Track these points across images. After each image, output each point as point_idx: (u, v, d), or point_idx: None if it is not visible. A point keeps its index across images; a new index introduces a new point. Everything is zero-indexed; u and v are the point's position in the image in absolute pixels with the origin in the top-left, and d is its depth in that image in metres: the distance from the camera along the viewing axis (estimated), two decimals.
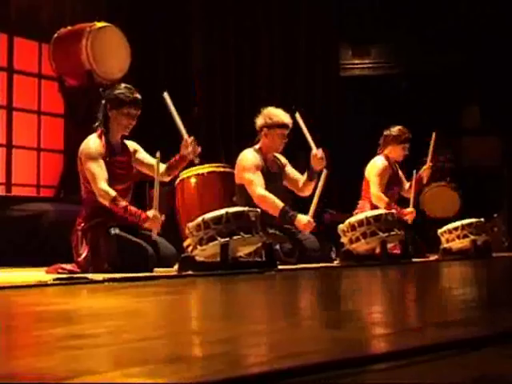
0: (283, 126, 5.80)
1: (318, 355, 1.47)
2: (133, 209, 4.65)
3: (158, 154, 4.70)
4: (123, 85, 4.93)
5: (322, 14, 10.22)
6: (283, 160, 6.07)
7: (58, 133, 7.28)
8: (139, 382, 1.24)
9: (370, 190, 6.62)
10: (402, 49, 10.78)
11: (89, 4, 7.34)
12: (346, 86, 10.61)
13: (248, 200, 5.53)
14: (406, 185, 6.96)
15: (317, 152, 5.73)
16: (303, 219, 5.61)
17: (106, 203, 4.62)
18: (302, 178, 5.95)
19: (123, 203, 4.62)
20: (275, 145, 5.86)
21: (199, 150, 4.92)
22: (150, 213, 4.65)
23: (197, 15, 8.54)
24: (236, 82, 8.90)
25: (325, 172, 5.76)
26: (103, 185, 4.63)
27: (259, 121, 5.86)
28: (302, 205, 6.01)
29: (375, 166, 6.72)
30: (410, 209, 6.67)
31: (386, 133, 6.83)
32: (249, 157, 5.78)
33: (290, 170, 6.05)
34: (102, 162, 4.69)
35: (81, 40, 6.29)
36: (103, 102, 4.85)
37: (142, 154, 4.98)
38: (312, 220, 5.63)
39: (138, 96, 4.82)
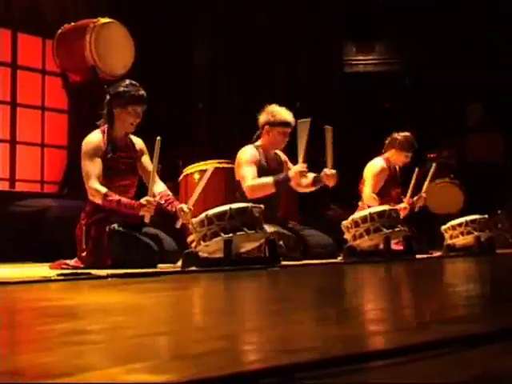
0: (285, 124, 5.77)
1: (319, 352, 1.47)
2: (126, 200, 4.63)
3: (158, 138, 4.54)
4: (128, 81, 4.87)
5: (325, 9, 10.21)
6: (283, 157, 6.07)
7: (61, 129, 7.29)
8: (142, 378, 1.24)
9: (364, 189, 6.61)
10: (406, 45, 10.77)
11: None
12: (350, 82, 10.60)
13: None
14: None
15: (331, 172, 5.63)
16: (295, 169, 5.54)
17: (99, 201, 4.60)
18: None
19: (115, 197, 4.60)
20: (276, 142, 5.85)
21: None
22: (143, 199, 4.62)
23: (199, 11, 8.53)
24: (239, 78, 8.89)
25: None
26: (94, 183, 4.61)
27: (262, 118, 5.85)
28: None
29: (373, 167, 6.71)
30: (404, 204, 6.62)
31: (394, 136, 6.78)
32: (246, 153, 5.77)
33: (290, 166, 6.03)
34: (97, 159, 4.67)
35: (84, 36, 6.29)
36: (107, 98, 4.82)
37: (146, 160, 4.95)
38: (304, 165, 5.51)
39: (143, 93, 4.78)
